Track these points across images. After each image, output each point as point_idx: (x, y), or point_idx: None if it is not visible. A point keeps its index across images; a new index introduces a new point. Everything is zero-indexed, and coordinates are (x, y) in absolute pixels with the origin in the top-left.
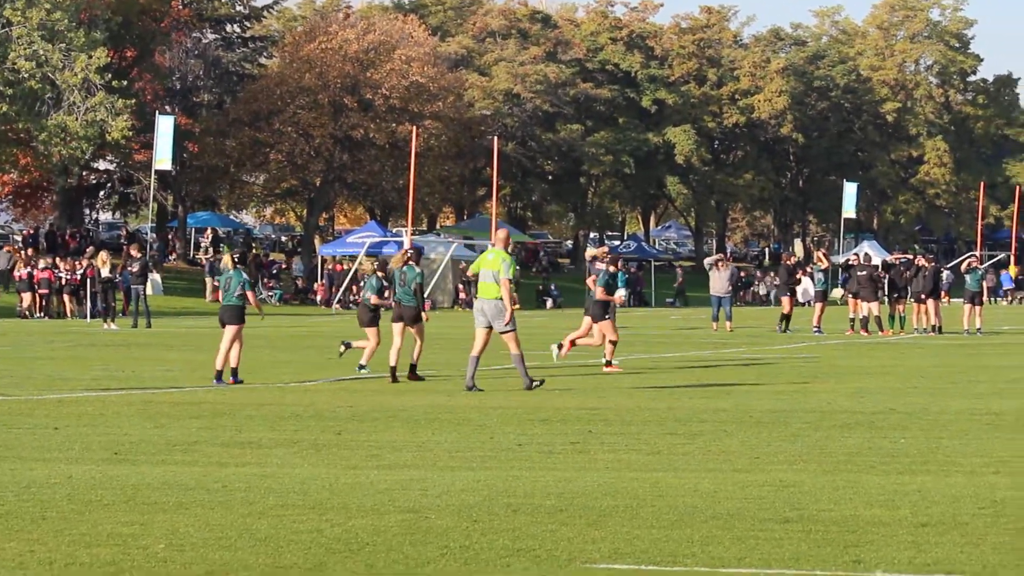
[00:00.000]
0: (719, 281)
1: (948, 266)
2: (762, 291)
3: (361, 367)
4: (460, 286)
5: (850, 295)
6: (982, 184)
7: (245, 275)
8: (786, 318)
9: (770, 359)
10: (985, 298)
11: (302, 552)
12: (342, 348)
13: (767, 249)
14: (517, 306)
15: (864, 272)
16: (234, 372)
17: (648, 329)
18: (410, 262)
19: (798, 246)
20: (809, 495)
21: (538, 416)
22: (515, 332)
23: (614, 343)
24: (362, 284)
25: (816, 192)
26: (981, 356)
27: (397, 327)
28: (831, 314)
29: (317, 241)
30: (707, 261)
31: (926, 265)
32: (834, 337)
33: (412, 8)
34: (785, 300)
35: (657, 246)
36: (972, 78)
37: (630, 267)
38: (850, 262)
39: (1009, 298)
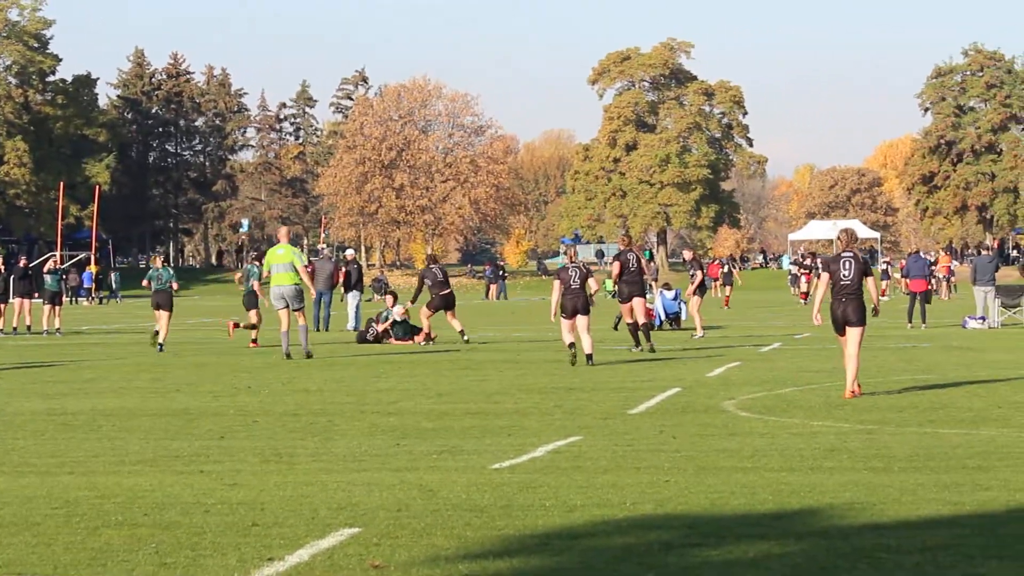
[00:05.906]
0: None
1: (32, 266)
2: None
3: None
4: None
5: None
6: (62, 184)
7: None
8: None
9: None
10: (66, 298)
11: None
12: None
13: None
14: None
15: None
16: None
17: None
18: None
19: None
20: None
21: None
22: None
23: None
24: None
25: None
26: (51, 356)
27: None
28: None
29: None
30: None
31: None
32: None
33: None
34: None
35: None
36: (52, 78)
37: None
38: None
39: (90, 298)
